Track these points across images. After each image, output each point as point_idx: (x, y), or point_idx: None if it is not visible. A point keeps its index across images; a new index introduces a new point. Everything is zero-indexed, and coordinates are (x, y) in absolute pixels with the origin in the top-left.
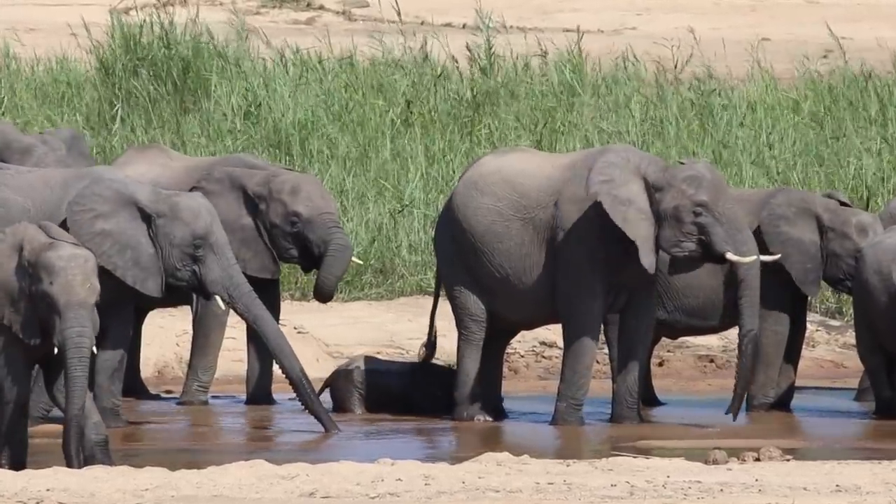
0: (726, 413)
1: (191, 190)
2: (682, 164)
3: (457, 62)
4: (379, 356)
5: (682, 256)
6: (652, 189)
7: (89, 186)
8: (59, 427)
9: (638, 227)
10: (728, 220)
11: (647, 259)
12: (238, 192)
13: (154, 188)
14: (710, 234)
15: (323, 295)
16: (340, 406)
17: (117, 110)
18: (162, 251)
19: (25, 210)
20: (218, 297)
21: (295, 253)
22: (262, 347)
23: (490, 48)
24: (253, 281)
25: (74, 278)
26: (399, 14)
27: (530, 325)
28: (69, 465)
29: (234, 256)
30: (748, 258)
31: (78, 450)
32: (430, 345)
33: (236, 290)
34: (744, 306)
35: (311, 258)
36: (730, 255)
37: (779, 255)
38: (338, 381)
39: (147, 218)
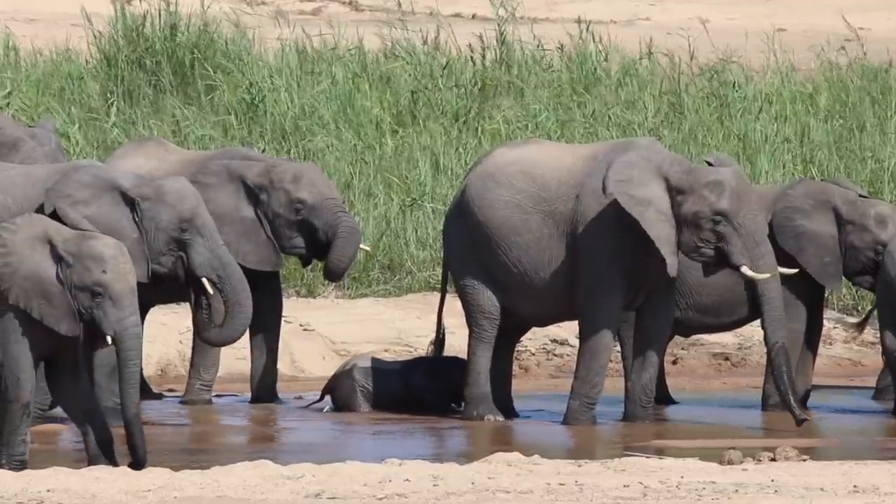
0: (798, 425)
1: None
2: (708, 163)
3: (472, 51)
4: (375, 355)
5: (701, 262)
6: (674, 191)
7: (69, 174)
8: (56, 427)
9: (658, 227)
10: (747, 231)
11: (670, 260)
12: (237, 184)
13: (137, 174)
14: (727, 244)
15: (334, 275)
16: (346, 407)
17: (118, 102)
18: (147, 235)
19: (6, 206)
20: (206, 281)
21: (300, 242)
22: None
23: (502, 37)
24: (253, 275)
25: (125, 266)
26: (412, 7)
27: (545, 322)
28: (137, 461)
29: (220, 238)
30: (762, 274)
31: (143, 443)
32: (439, 342)
33: (224, 271)
34: (766, 320)
35: (317, 246)
36: (744, 270)
37: (796, 270)
38: (339, 382)
39: (130, 202)
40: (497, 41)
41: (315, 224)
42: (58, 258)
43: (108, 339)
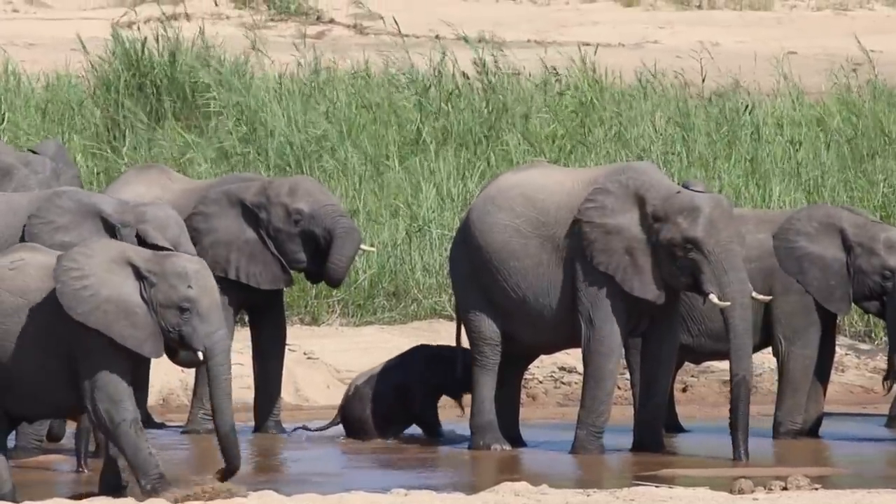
0: (734, 459)
1: (189, 216)
2: (692, 190)
3: (467, 78)
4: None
5: (683, 289)
6: (650, 218)
7: (50, 199)
8: (54, 457)
9: (618, 259)
10: (717, 259)
11: (629, 287)
12: (237, 208)
13: (121, 199)
14: (698, 272)
15: (334, 277)
16: (363, 431)
17: (119, 128)
18: None
19: None
20: None
21: (303, 256)
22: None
23: (483, 65)
24: (256, 304)
25: (209, 281)
26: (399, 30)
27: (548, 350)
28: (232, 469)
29: None
30: (724, 302)
31: (238, 454)
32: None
33: None
34: (731, 350)
35: (320, 255)
36: (712, 297)
37: (770, 297)
38: (350, 407)
39: (111, 229)
40: (479, 66)
41: (315, 232)
42: (140, 278)
43: (200, 354)
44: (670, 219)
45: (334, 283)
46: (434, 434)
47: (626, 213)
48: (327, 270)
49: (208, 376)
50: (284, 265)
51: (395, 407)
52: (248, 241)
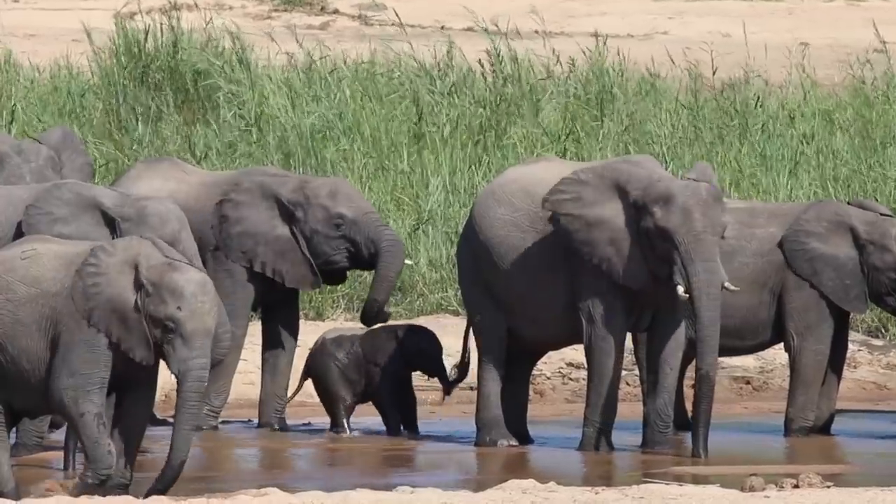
0: (693, 455)
1: (218, 203)
2: (689, 178)
3: (482, 66)
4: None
5: (666, 279)
6: (632, 208)
7: (50, 190)
8: (52, 454)
9: (602, 250)
10: (686, 248)
11: (616, 276)
12: (270, 201)
13: (121, 192)
14: (671, 261)
15: (377, 302)
16: (324, 385)
17: (122, 120)
18: None
19: None
20: None
21: (340, 257)
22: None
23: (498, 55)
24: (270, 299)
25: (203, 305)
26: (401, 22)
27: (553, 345)
28: (154, 491)
29: (200, 264)
30: (685, 294)
31: (171, 484)
32: (463, 366)
33: None
34: (697, 342)
35: (359, 261)
36: (678, 288)
37: (738, 288)
38: (315, 360)
39: (111, 222)
40: (494, 57)
41: (357, 239)
42: (139, 285)
43: (173, 377)
44: (647, 208)
45: (374, 314)
46: (390, 422)
47: (606, 204)
48: (374, 285)
49: (177, 400)
50: (313, 266)
51: (356, 381)
52: (278, 238)
